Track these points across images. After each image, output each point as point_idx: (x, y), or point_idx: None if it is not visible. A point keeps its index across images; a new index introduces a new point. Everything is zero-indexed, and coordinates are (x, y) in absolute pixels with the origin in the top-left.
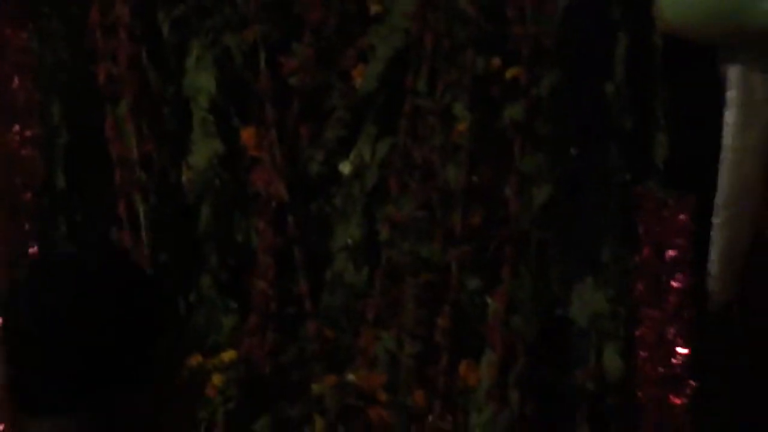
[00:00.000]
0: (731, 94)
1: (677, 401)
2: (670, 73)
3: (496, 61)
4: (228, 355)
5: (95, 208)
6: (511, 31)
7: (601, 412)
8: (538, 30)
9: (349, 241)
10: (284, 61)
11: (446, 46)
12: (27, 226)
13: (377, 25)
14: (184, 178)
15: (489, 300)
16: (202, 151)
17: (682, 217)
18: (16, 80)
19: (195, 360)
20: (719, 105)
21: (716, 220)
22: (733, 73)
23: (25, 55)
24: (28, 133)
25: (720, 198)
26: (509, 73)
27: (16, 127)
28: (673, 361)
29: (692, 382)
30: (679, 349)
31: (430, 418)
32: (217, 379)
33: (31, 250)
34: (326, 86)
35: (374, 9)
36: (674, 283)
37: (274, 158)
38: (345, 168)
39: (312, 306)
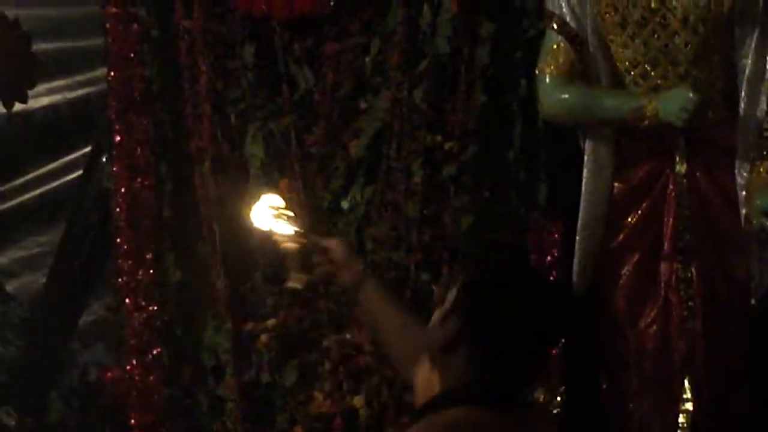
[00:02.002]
0: (586, 158)
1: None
2: (551, 143)
3: (439, 138)
4: (271, 323)
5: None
6: (448, 119)
7: None
8: (465, 118)
9: None
10: (306, 137)
11: (408, 127)
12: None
13: (365, 115)
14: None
15: (434, 287)
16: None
17: (555, 236)
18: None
19: (248, 325)
20: (581, 164)
21: (577, 238)
22: (587, 145)
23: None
24: (146, 182)
25: (579, 224)
26: (447, 145)
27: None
28: None
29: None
30: None
31: None
32: (263, 338)
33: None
34: (332, 153)
35: (363, 105)
36: (551, 277)
37: (300, 198)
38: (345, 204)
39: (323, 290)
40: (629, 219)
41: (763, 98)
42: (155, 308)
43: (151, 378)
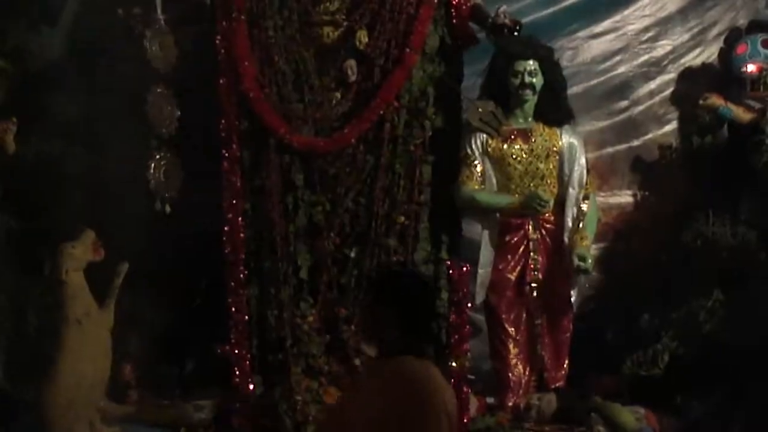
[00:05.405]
0: (483, 230)
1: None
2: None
3: (402, 218)
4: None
5: None
6: (405, 209)
7: None
8: (417, 208)
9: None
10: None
11: (383, 210)
12: None
13: (348, 212)
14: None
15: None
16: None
17: (465, 269)
18: None
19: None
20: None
21: (478, 273)
22: (483, 223)
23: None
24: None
25: (479, 264)
26: (400, 220)
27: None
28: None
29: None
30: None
31: None
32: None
33: None
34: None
35: (350, 205)
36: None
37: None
38: (351, 253)
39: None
40: (506, 263)
41: (574, 203)
42: None
43: None
